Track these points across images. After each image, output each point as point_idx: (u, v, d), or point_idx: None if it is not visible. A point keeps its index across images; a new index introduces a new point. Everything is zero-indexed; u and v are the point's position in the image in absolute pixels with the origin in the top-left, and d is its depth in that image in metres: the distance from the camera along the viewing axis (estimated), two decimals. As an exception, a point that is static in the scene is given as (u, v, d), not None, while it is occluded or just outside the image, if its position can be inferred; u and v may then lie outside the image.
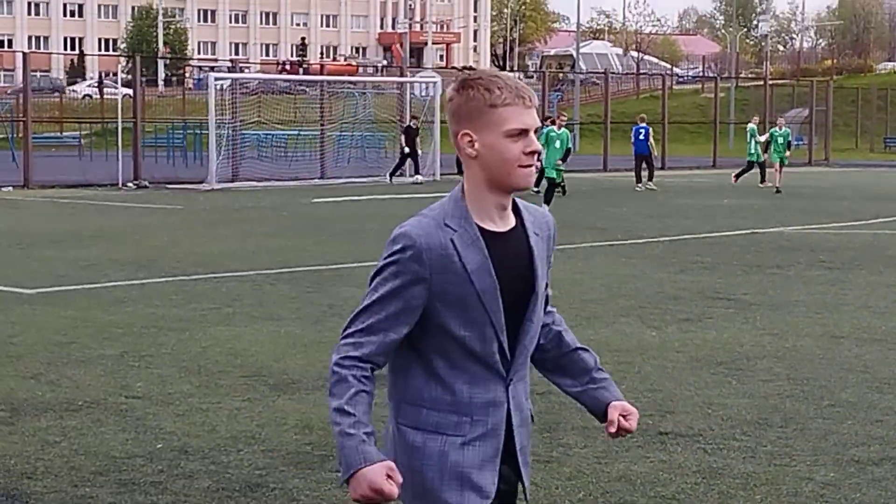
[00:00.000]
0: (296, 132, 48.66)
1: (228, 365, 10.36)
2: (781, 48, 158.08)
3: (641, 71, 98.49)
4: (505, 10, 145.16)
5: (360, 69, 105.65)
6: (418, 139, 40.53)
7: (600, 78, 68.65)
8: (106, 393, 9.34)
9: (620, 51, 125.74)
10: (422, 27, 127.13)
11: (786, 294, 14.85)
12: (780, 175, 35.97)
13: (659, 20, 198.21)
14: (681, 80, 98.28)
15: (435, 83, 46.80)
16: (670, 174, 43.69)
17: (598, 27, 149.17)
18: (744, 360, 10.68)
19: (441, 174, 41.75)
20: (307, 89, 59.44)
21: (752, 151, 38.91)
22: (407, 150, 40.17)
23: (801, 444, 7.97)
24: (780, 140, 36.65)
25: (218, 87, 39.69)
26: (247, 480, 7.13)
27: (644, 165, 37.37)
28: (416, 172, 40.31)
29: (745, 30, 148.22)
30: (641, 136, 37.75)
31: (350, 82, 56.15)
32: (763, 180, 38.09)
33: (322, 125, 43.39)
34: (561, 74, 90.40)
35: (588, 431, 8.22)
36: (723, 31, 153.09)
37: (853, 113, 75.35)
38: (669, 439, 8.05)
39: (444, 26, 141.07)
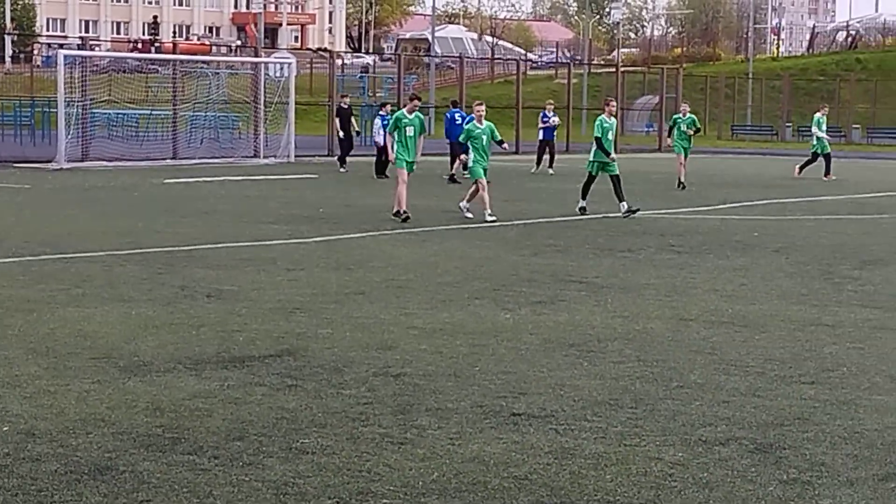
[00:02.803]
0: (147, 112, 47.97)
1: (77, 347, 10.18)
2: (633, 35, 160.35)
3: (496, 56, 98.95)
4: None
5: (214, 49, 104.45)
6: (353, 120, 38.77)
7: (455, 62, 68.85)
8: (-51, 375, 9.11)
9: (475, 35, 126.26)
10: (276, 7, 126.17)
11: (636, 277, 15.07)
12: (684, 168, 32.40)
13: (513, 6, 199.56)
14: (535, 65, 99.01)
15: (289, 64, 46.52)
16: (524, 158, 44.02)
17: (454, 11, 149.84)
18: (595, 342, 10.81)
19: (296, 156, 41.55)
20: (159, 68, 58.70)
21: (822, 142, 37.79)
22: (342, 133, 37.93)
23: (651, 424, 8.09)
24: (684, 128, 33.06)
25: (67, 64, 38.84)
26: (96, 463, 7.01)
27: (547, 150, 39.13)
28: (343, 158, 38.00)
29: (598, 17, 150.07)
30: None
31: (203, 62, 55.44)
32: (827, 173, 37.11)
33: (174, 105, 42.83)
34: (416, 58, 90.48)
35: (442, 413, 8.25)
36: (576, 17, 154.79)
37: (702, 100, 76.68)
38: (522, 420, 8.12)
39: (299, 7, 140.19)
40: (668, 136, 34.34)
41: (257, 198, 25.99)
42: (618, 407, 8.53)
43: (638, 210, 23.38)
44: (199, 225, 20.03)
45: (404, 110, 22.59)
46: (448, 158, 35.63)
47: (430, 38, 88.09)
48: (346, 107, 38.43)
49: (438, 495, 6.59)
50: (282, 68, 46.78)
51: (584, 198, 24.06)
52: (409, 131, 22.05)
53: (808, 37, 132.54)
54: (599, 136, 23.89)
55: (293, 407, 8.35)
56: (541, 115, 40.12)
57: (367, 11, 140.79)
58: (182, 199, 25.45)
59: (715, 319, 12.12)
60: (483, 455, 7.31)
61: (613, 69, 72.61)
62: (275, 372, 9.37)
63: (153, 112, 47.45)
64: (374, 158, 35.33)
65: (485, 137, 22.35)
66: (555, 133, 40.29)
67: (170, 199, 25.46)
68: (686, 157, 32.75)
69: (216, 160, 40.19)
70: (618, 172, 23.90)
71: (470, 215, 22.03)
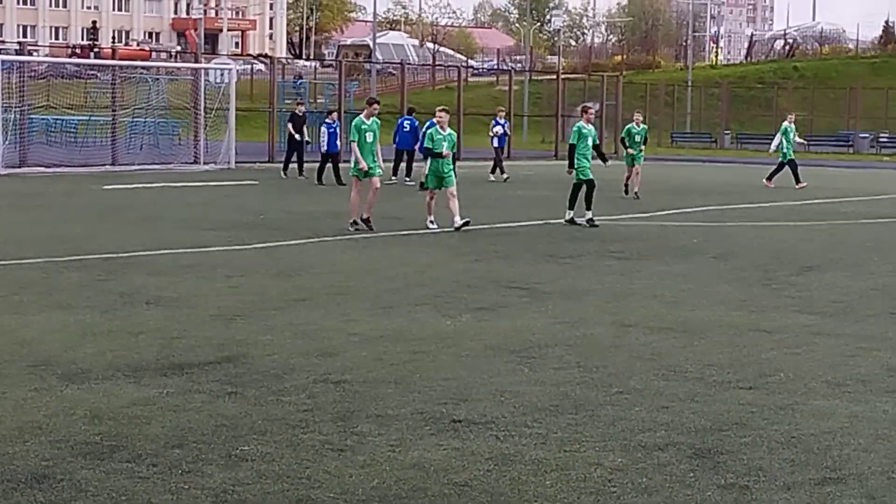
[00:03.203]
0: (87, 117, 47.62)
1: (15, 354, 10.08)
2: (573, 43, 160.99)
3: (437, 62, 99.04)
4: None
5: (154, 54, 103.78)
6: (305, 128, 38.00)
7: (397, 68, 68.91)
8: None
9: (416, 42, 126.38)
10: (217, 13, 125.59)
11: (578, 283, 15.13)
12: (637, 178, 31.53)
13: (454, 12, 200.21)
14: (476, 72, 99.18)
15: (229, 70, 46.31)
16: (466, 164, 44.07)
17: (395, 18, 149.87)
18: (536, 348, 10.84)
19: (236, 162, 41.40)
20: (98, 74, 58.14)
21: (784, 151, 37.18)
22: (298, 137, 36.96)
23: (591, 430, 8.12)
24: (638, 139, 32.03)
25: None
26: (33, 472, 6.94)
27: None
28: (300, 166, 36.97)
29: (539, 24, 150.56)
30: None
31: (143, 67, 55.05)
32: (798, 181, 36.37)
33: (114, 111, 42.54)
34: (357, 64, 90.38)
35: (383, 419, 8.24)
36: (517, 24, 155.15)
37: (642, 107, 76.95)
38: (463, 427, 8.12)
39: (240, 13, 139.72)
40: (626, 147, 32.21)
41: (197, 204, 25.84)
42: (558, 413, 8.55)
43: (576, 224, 22.98)
44: (139, 231, 19.88)
45: (362, 116, 21.67)
46: (391, 164, 35.62)
47: (371, 44, 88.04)
48: (300, 114, 38.12)
49: (379, 502, 6.59)
50: (222, 74, 46.55)
51: (588, 209, 23.14)
52: (369, 137, 21.38)
53: (746, 45, 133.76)
54: (574, 143, 23.30)
55: (233, 414, 8.31)
56: (493, 122, 40.51)
57: (308, 18, 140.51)
58: (122, 206, 25.27)
59: (655, 325, 12.19)
60: (424, 462, 7.31)
61: (554, 76, 72.81)
62: (215, 379, 9.33)
63: (92, 118, 47.11)
64: (318, 165, 35.24)
65: (446, 144, 22.08)
66: (505, 140, 41.02)
67: (109, 206, 25.28)
68: (636, 165, 31.71)
69: (156, 166, 39.96)
70: (590, 178, 23.24)
71: (467, 220, 21.77)
